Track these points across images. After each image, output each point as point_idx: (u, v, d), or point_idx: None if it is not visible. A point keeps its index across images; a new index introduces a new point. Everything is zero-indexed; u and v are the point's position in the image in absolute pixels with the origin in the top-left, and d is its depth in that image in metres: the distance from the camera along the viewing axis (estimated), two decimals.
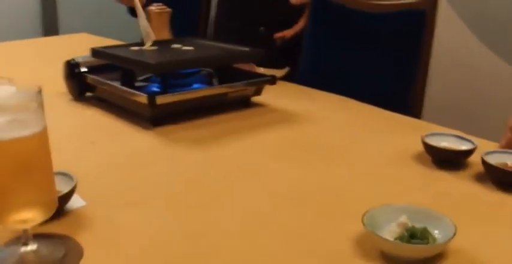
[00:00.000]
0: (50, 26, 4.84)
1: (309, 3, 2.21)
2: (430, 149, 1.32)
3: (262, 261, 0.94)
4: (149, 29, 1.85)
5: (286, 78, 2.08)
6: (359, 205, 1.03)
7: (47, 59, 2.31)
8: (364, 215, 0.97)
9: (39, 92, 0.87)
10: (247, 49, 1.76)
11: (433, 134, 1.36)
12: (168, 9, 2.12)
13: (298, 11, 2.30)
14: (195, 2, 2.97)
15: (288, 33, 2.29)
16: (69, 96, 1.85)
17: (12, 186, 0.87)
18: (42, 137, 0.89)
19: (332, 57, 2.19)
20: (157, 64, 1.59)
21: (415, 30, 1.96)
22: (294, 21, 2.33)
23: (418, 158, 1.35)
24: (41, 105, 0.88)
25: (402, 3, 2.01)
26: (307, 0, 2.21)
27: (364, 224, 0.94)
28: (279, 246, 0.98)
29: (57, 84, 1.86)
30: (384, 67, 2.05)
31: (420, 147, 1.34)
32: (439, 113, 2.30)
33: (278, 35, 2.28)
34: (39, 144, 0.89)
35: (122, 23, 4.76)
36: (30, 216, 0.89)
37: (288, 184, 1.23)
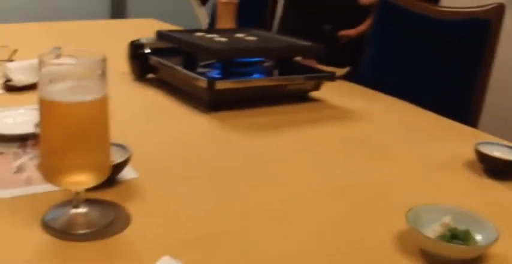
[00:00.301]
0: (118, 10, 4.91)
1: (376, 4, 2.22)
2: (482, 157, 1.31)
3: (300, 247, 0.95)
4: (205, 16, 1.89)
5: (347, 77, 2.09)
6: (404, 204, 1.03)
7: (112, 40, 2.35)
8: (408, 211, 0.97)
9: (103, 60, 0.90)
10: (309, 43, 1.77)
11: (486, 143, 1.35)
12: (235, 0, 2.15)
13: (364, 11, 2.30)
14: None
15: (352, 32, 2.30)
16: (132, 77, 1.89)
17: (69, 149, 0.90)
18: (102, 103, 0.92)
19: (393, 59, 2.19)
20: (219, 50, 1.62)
21: (478, 39, 1.94)
22: (359, 21, 2.33)
23: (470, 165, 1.34)
24: (103, 73, 0.91)
25: (468, 12, 1.99)
26: (376, 1, 2.22)
27: (407, 221, 0.95)
28: (319, 237, 0.99)
29: (120, 65, 1.90)
30: (445, 73, 2.04)
31: (473, 155, 1.33)
32: (496, 124, 2.28)
33: (342, 33, 2.28)
34: (98, 110, 0.92)
35: (190, 11, 4.83)
36: (83, 179, 0.92)
37: (334, 178, 1.24)
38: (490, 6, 1.93)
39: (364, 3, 2.22)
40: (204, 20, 1.89)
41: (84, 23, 3.10)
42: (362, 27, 2.28)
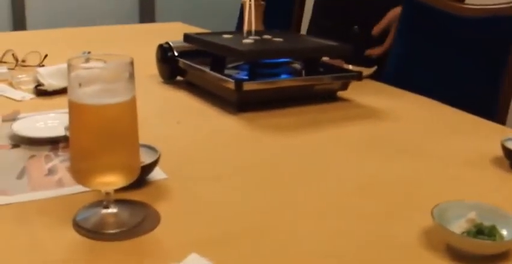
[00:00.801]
0: (147, 14, 4.96)
1: (395, 24, 2.22)
2: (508, 152, 1.31)
3: (327, 244, 0.96)
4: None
5: (374, 76, 2.09)
6: (430, 200, 1.03)
7: (141, 43, 2.38)
8: (434, 208, 0.98)
9: (130, 63, 0.92)
10: (335, 44, 1.78)
11: None
12: (262, 3, 2.16)
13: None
14: None
15: (378, 51, 2.27)
16: (160, 79, 1.92)
17: (99, 150, 0.92)
18: (131, 105, 0.94)
19: (419, 58, 2.19)
20: (246, 51, 1.63)
21: (504, 36, 1.94)
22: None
23: (497, 161, 1.33)
24: (131, 76, 0.93)
25: (492, 9, 1.99)
26: (390, 24, 2.22)
27: (433, 216, 0.96)
28: (346, 234, 1.00)
29: (149, 68, 1.93)
30: (471, 71, 2.03)
31: (500, 152, 1.33)
32: None
33: (369, 52, 2.26)
34: (126, 112, 0.94)
35: (219, 14, 4.86)
36: (113, 180, 0.95)
37: (361, 175, 1.25)
38: None
39: (375, 33, 2.22)
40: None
41: (113, 28, 3.14)
42: (386, 45, 2.26)
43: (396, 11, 2.25)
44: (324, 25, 2.58)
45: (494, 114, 1.91)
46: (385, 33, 2.25)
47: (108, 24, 3.25)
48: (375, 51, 2.26)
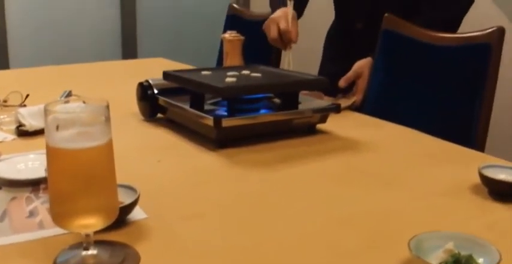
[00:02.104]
0: (129, 50, 4.97)
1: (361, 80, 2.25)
2: (486, 180, 1.33)
3: None
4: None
5: (353, 107, 2.11)
6: (409, 230, 1.04)
7: (123, 80, 2.40)
8: (411, 239, 0.99)
9: (107, 106, 0.94)
10: (313, 77, 1.81)
11: (490, 166, 1.36)
12: (241, 37, 2.19)
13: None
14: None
15: (346, 104, 2.23)
16: (141, 117, 1.92)
17: (77, 193, 0.93)
18: (107, 148, 0.95)
19: (398, 88, 2.22)
20: (224, 88, 1.65)
21: (479, 63, 1.96)
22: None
23: (475, 189, 1.35)
24: (108, 119, 0.95)
25: (468, 37, 2.02)
26: (357, 76, 2.24)
27: (410, 249, 0.97)
28: None
29: (130, 105, 1.94)
30: (449, 99, 2.06)
31: (478, 179, 1.35)
32: (502, 147, 2.28)
33: (344, 106, 2.19)
34: (104, 155, 0.95)
35: (200, 49, 4.90)
36: (92, 222, 0.95)
37: (341, 207, 1.26)
38: (490, 30, 1.96)
39: (341, 85, 2.22)
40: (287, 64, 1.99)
41: (95, 65, 3.15)
42: (354, 99, 2.23)
43: (361, 64, 2.26)
44: (334, 24, 2.68)
45: (473, 141, 1.93)
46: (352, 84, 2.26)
47: (90, 61, 3.26)
48: (343, 103, 2.25)
